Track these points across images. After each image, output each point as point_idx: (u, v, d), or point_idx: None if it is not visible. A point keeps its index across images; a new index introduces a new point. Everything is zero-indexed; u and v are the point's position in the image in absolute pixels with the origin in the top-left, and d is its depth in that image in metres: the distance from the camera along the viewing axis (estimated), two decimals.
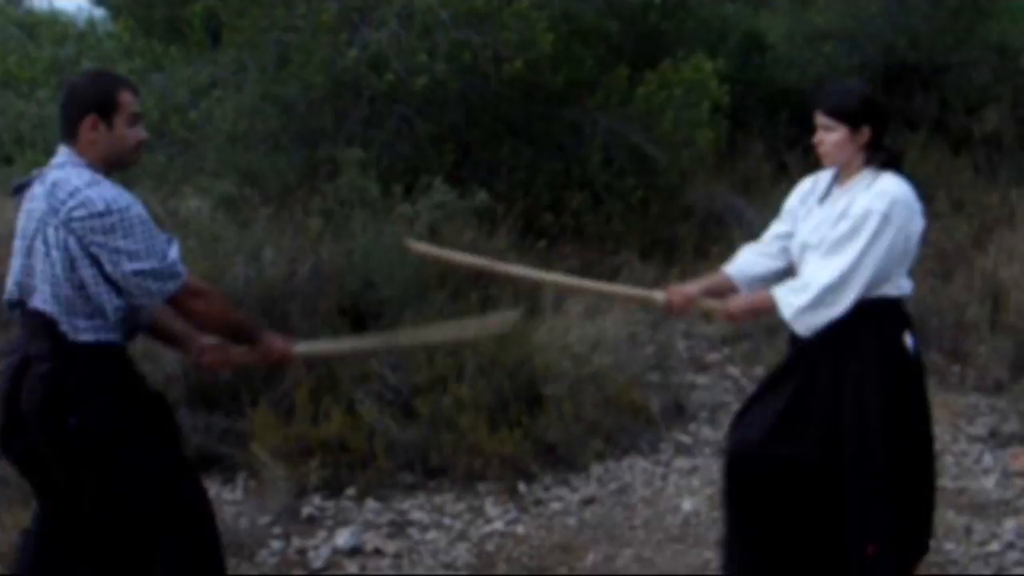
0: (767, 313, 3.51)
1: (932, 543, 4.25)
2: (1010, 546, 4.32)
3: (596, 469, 5.03)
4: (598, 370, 5.32)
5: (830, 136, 3.36)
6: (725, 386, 6.08)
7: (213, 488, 4.78)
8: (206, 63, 7.54)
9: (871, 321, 3.33)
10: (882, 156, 3.37)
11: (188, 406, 5.01)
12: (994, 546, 4.31)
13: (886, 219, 3.24)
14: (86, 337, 2.95)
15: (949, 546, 4.30)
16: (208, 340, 3.30)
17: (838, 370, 3.35)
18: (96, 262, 2.90)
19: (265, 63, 7.17)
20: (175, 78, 7.39)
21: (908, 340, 3.40)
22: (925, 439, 3.47)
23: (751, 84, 9.55)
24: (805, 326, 3.35)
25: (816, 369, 3.40)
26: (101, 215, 2.85)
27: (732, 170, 8.80)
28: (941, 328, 6.31)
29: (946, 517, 4.52)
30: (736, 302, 3.59)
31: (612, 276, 6.95)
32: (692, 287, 3.65)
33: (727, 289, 3.65)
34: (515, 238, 6.73)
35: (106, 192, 2.89)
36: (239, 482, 4.85)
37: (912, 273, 3.46)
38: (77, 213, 2.85)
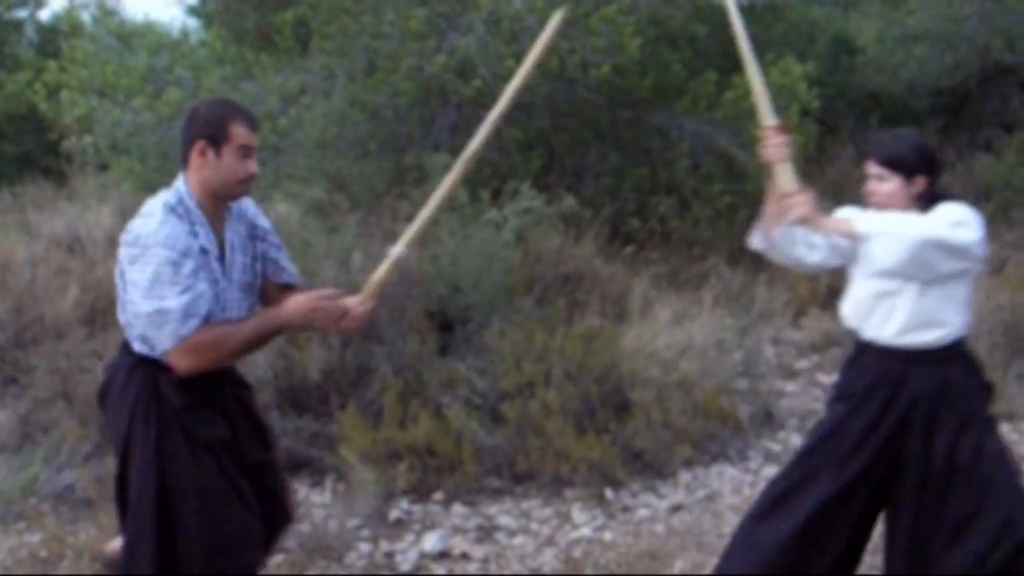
0: (846, 236, 3.15)
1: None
2: None
3: (684, 476, 4.99)
4: (686, 376, 5.27)
5: (883, 186, 3.22)
6: (815, 394, 5.98)
7: (302, 490, 4.85)
8: (295, 70, 7.67)
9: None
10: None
11: (278, 409, 5.09)
12: None
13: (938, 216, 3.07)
14: (138, 347, 2.99)
15: None
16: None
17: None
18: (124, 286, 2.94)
19: (354, 70, 7.26)
20: (265, 85, 7.53)
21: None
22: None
23: (841, 88, 9.42)
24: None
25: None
26: (130, 244, 2.86)
27: (821, 175, 8.68)
28: None
29: None
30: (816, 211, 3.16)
31: (700, 282, 6.88)
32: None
33: None
34: (601, 243, 6.70)
35: (148, 225, 2.85)
36: (328, 485, 4.90)
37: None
38: (122, 237, 2.91)
